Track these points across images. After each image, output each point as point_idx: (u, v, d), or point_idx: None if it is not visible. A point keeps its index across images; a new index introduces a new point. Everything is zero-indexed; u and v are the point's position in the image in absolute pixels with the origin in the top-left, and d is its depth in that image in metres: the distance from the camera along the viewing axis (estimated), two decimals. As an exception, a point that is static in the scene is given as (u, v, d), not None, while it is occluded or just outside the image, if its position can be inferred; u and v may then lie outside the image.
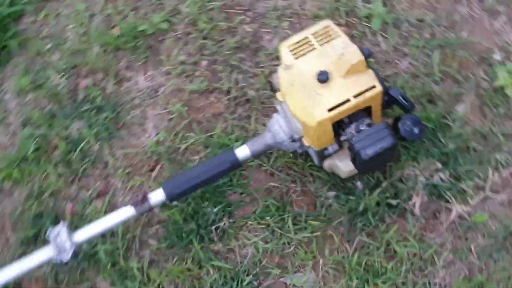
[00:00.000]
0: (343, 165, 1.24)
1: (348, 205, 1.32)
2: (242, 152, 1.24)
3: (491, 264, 1.22)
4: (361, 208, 1.30)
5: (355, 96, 1.10)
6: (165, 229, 1.37)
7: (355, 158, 1.11)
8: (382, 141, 1.09)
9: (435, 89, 1.44)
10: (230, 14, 1.69)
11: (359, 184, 1.34)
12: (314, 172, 1.38)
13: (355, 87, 1.11)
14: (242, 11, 1.69)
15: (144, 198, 1.20)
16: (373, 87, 1.11)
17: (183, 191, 1.21)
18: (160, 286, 1.29)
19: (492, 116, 1.39)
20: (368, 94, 1.10)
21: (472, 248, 1.24)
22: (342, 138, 1.16)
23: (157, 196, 1.21)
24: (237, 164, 1.24)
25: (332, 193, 1.35)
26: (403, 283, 1.23)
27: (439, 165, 1.33)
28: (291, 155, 1.39)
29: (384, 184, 1.33)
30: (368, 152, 1.08)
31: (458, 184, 1.30)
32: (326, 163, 1.28)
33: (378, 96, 1.12)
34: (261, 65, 1.57)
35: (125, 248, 1.35)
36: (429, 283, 1.23)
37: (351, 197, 1.32)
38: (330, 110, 1.10)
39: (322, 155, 1.24)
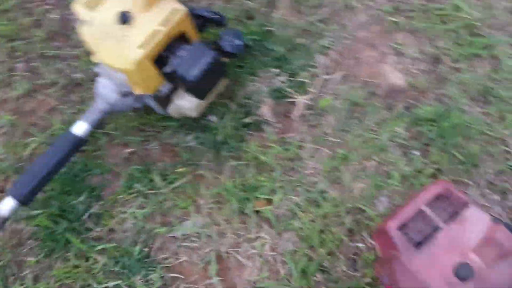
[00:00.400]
0: (186, 102, 1.22)
1: (209, 141, 1.31)
2: (79, 128, 1.18)
3: (347, 136, 1.27)
4: (220, 138, 1.30)
5: (161, 24, 1.07)
6: (38, 240, 1.27)
7: (185, 84, 1.10)
8: (203, 57, 1.08)
9: (250, 5, 1.46)
10: (30, 9, 1.59)
11: (212, 118, 1.33)
12: (165, 124, 1.35)
13: (159, 15, 1.08)
14: (41, 2, 1.60)
15: None
16: (176, 9, 1.09)
17: (33, 188, 1.13)
18: (53, 296, 1.21)
19: (307, 9, 1.43)
20: (173, 18, 1.08)
21: (328, 130, 1.29)
22: (166, 71, 1.13)
23: (6, 204, 1.12)
24: (79, 141, 1.18)
25: (190, 137, 1.34)
26: (281, 187, 1.25)
27: (275, 70, 1.35)
28: (135, 115, 1.35)
29: (233, 108, 1.33)
30: (194, 72, 1.07)
31: (296, 79, 1.33)
32: (171, 109, 1.26)
33: (185, 18, 1.10)
34: (79, 46, 1.50)
35: (1, 278, 1.24)
36: (302, 176, 1.25)
37: (208, 133, 1.31)
38: (141, 47, 1.06)
39: (162, 100, 1.21)
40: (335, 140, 1.28)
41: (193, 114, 1.27)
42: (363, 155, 1.25)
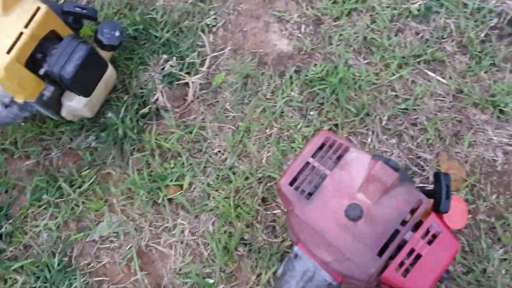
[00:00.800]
0: (76, 102, 1.20)
1: (110, 138, 1.29)
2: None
3: (245, 109, 1.29)
4: (121, 133, 1.28)
5: (25, 26, 1.04)
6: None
7: (64, 82, 1.07)
8: (76, 52, 1.06)
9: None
10: None
11: (109, 114, 1.31)
12: (63, 129, 1.32)
13: (22, 17, 1.05)
14: None
15: None
16: (37, 8, 1.06)
17: None
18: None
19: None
20: (36, 18, 1.05)
21: (227, 106, 1.30)
22: (41, 72, 1.10)
23: None
24: None
25: (90, 138, 1.31)
26: (190, 170, 1.25)
27: (164, 56, 1.35)
28: (30, 125, 1.30)
29: (129, 100, 1.32)
30: (68, 69, 1.05)
31: (186, 61, 1.33)
32: (64, 112, 1.23)
33: (49, 16, 1.07)
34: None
35: None
36: (210, 156, 1.26)
37: (108, 130, 1.29)
38: (9, 52, 1.03)
39: (51, 104, 1.18)
40: (235, 114, 1.29)
41: (88, 114, 1.24)
42: (264, 124, 1.27)
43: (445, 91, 1.26)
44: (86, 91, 1.14)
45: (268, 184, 1.23)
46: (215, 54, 1.34)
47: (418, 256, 0.84)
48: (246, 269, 1.17)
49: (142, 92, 1.32)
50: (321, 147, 0.92)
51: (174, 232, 1.22)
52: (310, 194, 0.88)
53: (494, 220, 1.14)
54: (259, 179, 1.24)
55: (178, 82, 1.32)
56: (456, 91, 1.26)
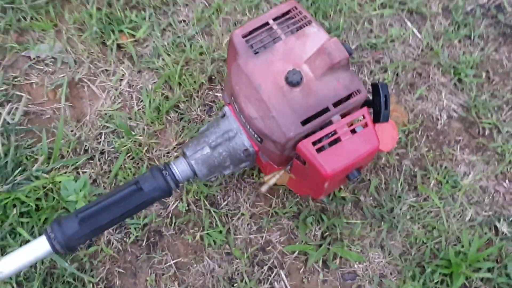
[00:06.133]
0: None
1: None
2: None
3: None
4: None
5: None
6: None
7: None
8: None
9: None
10: None
11: None
12: None
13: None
14: None
15: None
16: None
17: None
18: None
19: None
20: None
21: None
22: None
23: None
24: None
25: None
26: (149, 27, 1.22)
27: None
28: None
29: None
30: None
31: None
32: None
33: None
34: None
35: None
36: (173, 21, 1.23)
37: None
38: None
39: None
40: (214, -6, 1.27)
41: None
42: (238, 10, 1.25)
43: (416, 44, 1.28)
44: None
45: (220, 66, 1.21)
46: None
47: (338, 140, 0.84)
48: (171, 133, 1.15)
49: None
50: (285, 14, 0.90)
51: (112, 78, 1.19)
52: (257, 52, 0.87)
53: (417, 170, 1.17)
54: (214, 59, 1.21)
55: None
56: (426, 47, 1.28)
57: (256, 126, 0.86)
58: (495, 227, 1.13)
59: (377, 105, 0.90)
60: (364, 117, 0.85)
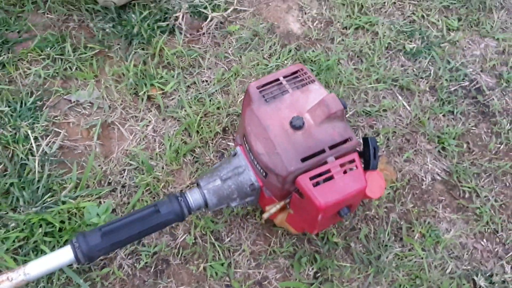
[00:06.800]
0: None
1: (124, 31, 1.47)
2: None
3: (243, 58, 1.48)
4: (135, 30, 1.46)
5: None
6: None
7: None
8: None
9: None
10: None
11: (133, 15, 1.50)
12: (89, 6, 1.49)
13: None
14: None
15: None
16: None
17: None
18: None
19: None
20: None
21: (229, 50, 1.49)
22: None
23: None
24: None
25: (109, 24, 1.49)
26: (176, 83, 1.42)
27: (198, -8, 1.56)
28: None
29: (154, 10, 1.51)
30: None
31: (213, 2, 1.54)
32: (98, -5, 1.41)
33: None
34: None
35: None
36: (197, 80, 1.44)
37: (125, 24, 1.47)
38: None
39: None
40: (232, 58, 1.48)
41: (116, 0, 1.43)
42: (252, 75, 1.46)
43: (405, 114, 1.47)
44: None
45: (234, 119, 1.39)
46: (238, 7, 1.55)
47: (331, 178, 0.99)
48: (186, 173, 1.30)
49: (167, 8, 1.51)
50: (293, 74, 1.10)
51: (140, 123, 1.37)
52: (268, 102, 1.05)
53: (403, 223, 1.30)
54: (229, 113, 1.40)
55: (200, 18, 1.52)
56: (414, 118, 1.46)
57: (262, 161, 1.01)
58: (473, 280, 1.24)
59: (367, 155, 1.06)
60: (354, 160, 1.01)
